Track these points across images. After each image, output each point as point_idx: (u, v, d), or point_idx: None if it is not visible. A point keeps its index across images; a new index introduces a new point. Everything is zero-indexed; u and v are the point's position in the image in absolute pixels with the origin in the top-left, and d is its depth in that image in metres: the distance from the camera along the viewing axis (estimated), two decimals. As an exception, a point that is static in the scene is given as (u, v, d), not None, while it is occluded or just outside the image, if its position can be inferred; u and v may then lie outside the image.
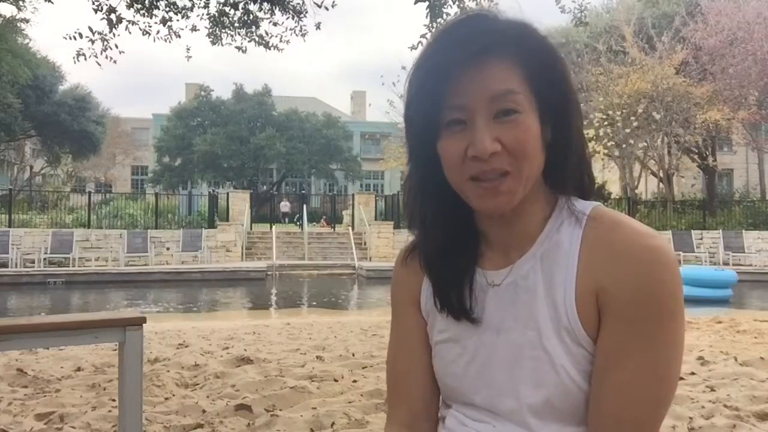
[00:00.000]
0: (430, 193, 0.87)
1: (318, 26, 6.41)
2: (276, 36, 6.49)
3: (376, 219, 21.22)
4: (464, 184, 0.80)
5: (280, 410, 2.74)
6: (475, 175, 0.79)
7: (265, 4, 6.23)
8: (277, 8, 6.27)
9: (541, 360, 0.79)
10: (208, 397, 2.98)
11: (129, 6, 5.71)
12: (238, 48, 6.59)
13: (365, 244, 20.05)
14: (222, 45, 6.55)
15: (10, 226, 17.06)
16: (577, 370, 0.77)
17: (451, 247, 0.88)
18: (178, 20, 6.13)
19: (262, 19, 6.37)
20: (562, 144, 0.83)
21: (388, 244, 19.52)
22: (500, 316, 0.83)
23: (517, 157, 0.78)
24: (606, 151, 21.53)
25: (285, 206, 30.48)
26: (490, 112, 0.78)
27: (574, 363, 0.78)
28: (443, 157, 0.82)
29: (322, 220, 26.48)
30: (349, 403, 2.93)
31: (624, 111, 20.79)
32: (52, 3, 5.97)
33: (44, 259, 16.09)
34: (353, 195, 24.02)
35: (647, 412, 0.75)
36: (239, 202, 20.64)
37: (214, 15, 6.29)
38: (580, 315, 0.78)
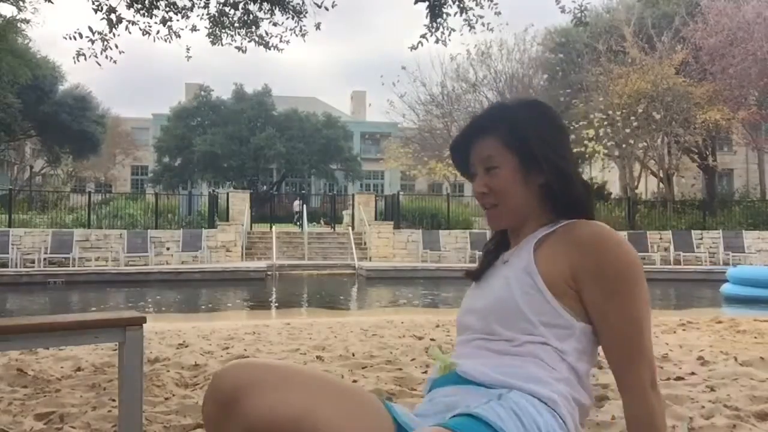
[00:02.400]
0: None
1: (318, 26, 6.41)
2: (276, 36, 6.48)
3: (376, 219, 21.20)
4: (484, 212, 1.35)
5: (280, 410, 2.73)
6: (483, 206, 1.33)
7: (265, 4, 6.23)
8: (277, 8, 6.27)
9: (503, 283, 1.25)
10: (208, 397, 2.98)
11: (129, 6, 5.71)
12: (238, 48, 6.58)
13: (365, 244, 20.05)
14: (222, 45, 6.54)
15: (10, 226, 17.06)
16: (519, 289, 1.20)
17: (493, 241, 1.41)
18: (178, 20, 6.12)
19: (262, 19, 6.37)
20: (551, 182, 1.26)
21: (388, 244, 19.51)
22: (500, 273, 1.29)
23: (498, 196, 1.28)
24: (606, 151, 21.55)
25: (297, 205, 30.31)
26: (482, 169, 1.30)
27: (520, 286, 1.21)
28: None
29: (321, 220, 26.42)
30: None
31: (624, 111, 20.78)
32: (52, 3, 5.97)
33: (44, 259, 16.08)
34: (353, 195, 24.00)
35: (634, 345, 1.16)
36: (239, 202, 20.64)
37: (214, 15, 6.29)
38: (543, 271, 1.20)
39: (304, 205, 22.99)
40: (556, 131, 1.31)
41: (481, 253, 1.47)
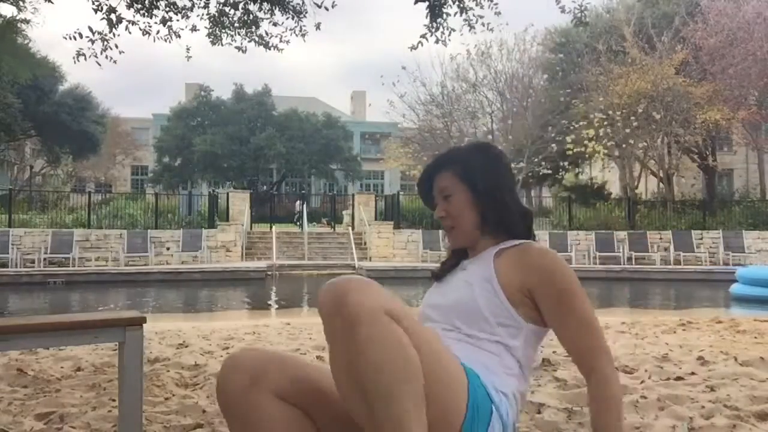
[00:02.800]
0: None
1: (318, 26, 6.40)
2: (276, 36, 6.48)
3: (376, 219, 21.20)
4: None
5: (280, 410, 2.73)
6: (444, 227, 1.64)
7: (265, 4, 6.22)
8: (277, 8, 6.26)
9: (465, 286, 1.52)
10: (208, 397, 2.98)
11: (129, 6, 5.70)
12: (238, 48, 6.57)
13: (365, 244, 20.05)
14: (222, 45, 6.53)
15: (10, 226, 17.06)
16: (481, 294, 1.46)
17: (453, 253, 1.70)
18: (178, 20, 6.12)
19: (262, 19, 6.36)
20: (486, 211, 1.57)
21: (388, 244, 19.51)
22: (459, 277, 1.57)
23: (453, 219, 1.60)
24: (606, 151, 21.53)
25: (299, 205, 30.21)
26: (441, 197, 1.61)
27: (482, 292, 1.47)
28: None
29: (324, 220, 26.30)
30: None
31: (624, 111, 20.78)
32: (52, 3, 5.97)
33: (44, 259, 16.08)
34: (353, 195, 23.99)
35: (589, 338, 1.44)
36: (239, 202, 20.64)
37: (214, 15, 6.28)
38: (501, 280, 1.47)
39: (304, 205, 22.98)
40: (500, 170, 1.63)
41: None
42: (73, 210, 20.17)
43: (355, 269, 17.39)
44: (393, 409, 1.17)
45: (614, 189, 28.33)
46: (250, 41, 6.45)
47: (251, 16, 6.28)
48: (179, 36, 6.16)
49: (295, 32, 6.39)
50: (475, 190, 1.57)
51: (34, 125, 25.89)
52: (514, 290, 1.46)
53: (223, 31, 6.40)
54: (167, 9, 5.96)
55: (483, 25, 5.87)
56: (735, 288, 11.43)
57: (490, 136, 23.89)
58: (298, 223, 24.09)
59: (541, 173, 24.45)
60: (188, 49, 6.54)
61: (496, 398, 1.37)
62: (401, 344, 1.20)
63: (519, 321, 1.45)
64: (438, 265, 1.72)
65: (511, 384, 1.43)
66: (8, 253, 15.90)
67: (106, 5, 5.58)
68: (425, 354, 1.24)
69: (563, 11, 5.98)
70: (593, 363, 1.42)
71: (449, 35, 5.87)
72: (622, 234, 19.33)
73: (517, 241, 1.55)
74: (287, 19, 6.32)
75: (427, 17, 5.69)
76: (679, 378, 3.27)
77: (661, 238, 19.36)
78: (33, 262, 16.02)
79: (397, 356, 1.19)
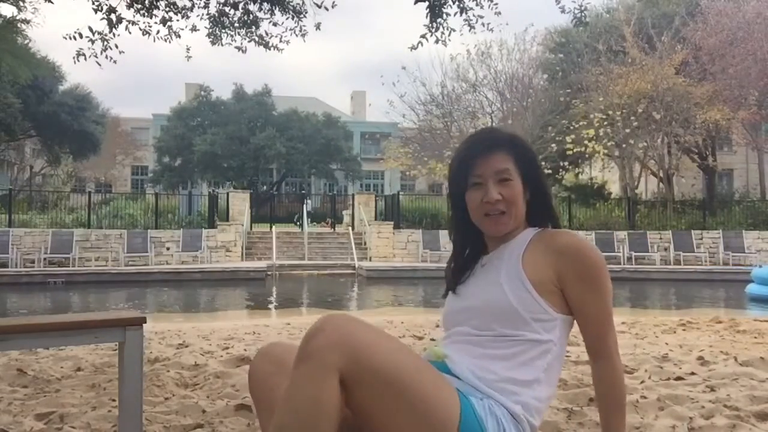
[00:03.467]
0: (460, 224, 1.64)
1: (318, 26, 6.40)
2: (276, 36, 6.48)
3: (376, 219, 21.19)
4: (481, 219, 1.55)
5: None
6: (487, 212, 1.53)
7: (265, 4, 6.22)
8: (277, 8, 6.26)
9: (494, 285, 1.51)
10: (208, 397, 2.98)
11: (129, 6, 5.71)
12: (238, 48, 6.57)
13: (365, 244, 20.05)
14: (222, 45, 6.54)
15: (10, 226, 17.06)
16: (511, 291, 1.46)
17: (463, 250, 1.67)
18: (178, 20, 6.12)
19: (262, 19, 6.37)
20: (538, 199, 1.58)
21: (388, 244, 19.51)
22: (483, 275, 1.57)
23: (509, 204, 1.52)
24: (606, 151, 21.52)
25: (307, 205, 30.03)
26: (495, 179, 1.52)
27: (511, 289, 1.47)
28: (469, 202, 1.56)
29: (327, 220, 26.18)
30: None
31: (624, 111, 20.77)
32: (52, 3, 5.96)
33: (44, 259, 16.08)
34: (353, 195, 23.99)
35: (606, 324, 1.49)
36: (239, 202, 20.63)
37: (214, 15, 6.29)
38: (529, 275, 1.47)
39: (305, 205, 22.98)
40: (538, 161, 1.64)
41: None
42: (73, 210, 20.16)
43: (355, 269, 17.40)
44: None
45: (614, 189, 28.31)
46: (250, 41, 6.45)
47: (251, 16, 6.28)
48: (179, 36, 6.17)
49: (295, 32, 6.39)
50: (526, 177, 1.55)
51: (34, 125, 25.87)
52: (544, 280, 1.47)
53: (223, 31, 6.40)
54: (167, 9, 5.96)
55: (483, 25, 5.86)
56: (751, 288, 11.34)
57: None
58: (298, 223, 24.07)
59: (541, 173, 24.38)
60: (188, 49, 6.55)
61: (490, 428, 1.35)
62: (327, 402, 1.25)
63: (553, 314, 1.47)
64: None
65: (527, 399, 1.42)
66: (8, 253, 15.90)
67: (106, 5, 5.58)
68: (413, 384, 1.30)
69: (563, 11, 5.99)
70: (604, 348, 1.48)
71: (449, 35, 5.87)
72: (622, 234, 19.33)
73: (540, 229, 1.57)
74: (287, 19, 6.33)
75: (427, 17, 5.69)
76: (679, 378, 3.27)
77: (661, 238, 19.36)
78: (33, 262, 16.02)
79: (315, 413, 1.25)
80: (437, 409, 1.30)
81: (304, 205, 22.83)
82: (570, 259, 1.46)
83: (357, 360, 1.27)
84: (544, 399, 1.47)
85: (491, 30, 6.09)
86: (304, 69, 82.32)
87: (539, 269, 1.47)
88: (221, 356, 4.05)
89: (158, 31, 6.03)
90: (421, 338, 5.03)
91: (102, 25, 5.64)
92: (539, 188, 1.58)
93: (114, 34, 5.71)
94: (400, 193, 25.21)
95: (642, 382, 3.17)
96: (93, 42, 5.72)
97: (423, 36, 5.82)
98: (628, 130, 20.81)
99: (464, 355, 1.47)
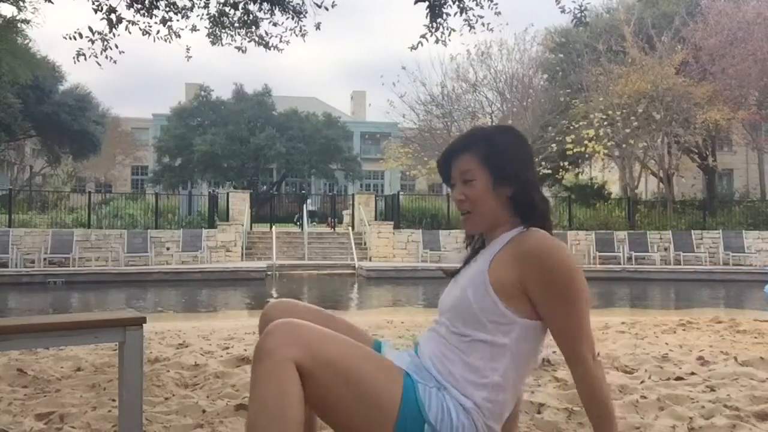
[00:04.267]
0: None
1: (318, 26, 6.40)
2: (276, 36, 6.47)
3: (376, 219, 21.18)
4: (461, 218, 1.65)
5: (280, 410, 2.72)
6: (461, 212, 1.63)
7: (265, 4, 6.22)
8: (277, 8, 6.26)
9: (463, 284, 1.56)
10: (208, 397, 2.98)
11: (129, 6, 5.70)
12: (238, 48, 6.57)
13: (365, 244, 20.04)
14: (222, 45, 6.53)
15: (10, 226, 17.05)
16: (472, 292, 1.50)
17: (473, 242, 1.73)
18: (178, 20, 6.12)
19: (262, 19, 6.36)
20: (520, 193, 1.56)
21: (388, 244, 19.51)
22: (465, 272, 1.63)
23: (473, 203, 1.58)
24: (606, 151, 21.51)
25: (309, 204, 29.93)
26: (461, 181, 1.60)
27: (473, 289, 1.50)
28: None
29: (329, 220, 26.12)
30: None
31: (624, 111, 20.75)
32: (52, 3, 5.97)
33: (44, 259, 16.08)
34: (353, 195, 23.97)
35: (575, 330, 1.45)
36: (239, 202, 20.63)
37: (214, 15, 6.28)
38: (492, 277, 1.48)
39: (304, 205, 22.97)
40: (525, 153, 1.63)
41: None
42: (73, 210, 20.16)
43: (355, 269, 17.39)
44: None
45: (614, 189, 28.29)
46: (250, 41, 6.45)
47: (251, 16, 6.28)
48: (179, 36, 6.16)
49: (295, 32, 6.39)
50: (500, 173, 1.55)
51: (34, 125, 25.85)
52: (506, 284, 1.47)
53: (223, 31, 6.40)
54: (167, 9, 5.96)
55: (483, 25, 5.86)
56: None
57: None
58: (298, 223, 24.06)
59: (541, 173, 24.36)
60: (188, 49, 6.54)
61: (431, 413, 1.43)
62: (291, 392, 1.36)
63: (512, 318, 1.47)
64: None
65: (480, 399, 1.46)
66: (8, 253, 15.90)
67: (106, 5, 5.57)
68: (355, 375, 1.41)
69: (563, 11, 5.99)
70: (577, 356, 1.46)
71: (449, 35, 5.87)
72: (622, 234, 19.33)
73: (524, 229, 1.55)
74: (287, 19, 6.32)
75: (427, 17, 5.68)
76: (679, 378, 3.27)
77: (661, 238, 19.36)
78: (33, 262, 16.02)
79: (281, 404, 1.34)
80: (381, 393, 1.42)
81: (304, 205, 22.84)
82: (532, 264, 1.45)
83: (311, 352, 1.39)
84: (500, 402, 1.48)
85: (491, 30, 6.09)
86: (304, 69, 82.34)
87: (504, 273, 1.48)
88: (221, 356, 4.05)
89: (158, 31, 6.03)
90: (421, 338, 5.03)
91: (102, 25, 5.65)
92: (520, 181, 1.56)
93: (114, 34, 5.71)
94: (400, 193, 25.21)
95: (642, 382, 3.17)
96: (93, 42, 5.72)
97: (423, 36, 5.82)
98: (628, 130, 20.80)
99: (432, 344, 1.56)
